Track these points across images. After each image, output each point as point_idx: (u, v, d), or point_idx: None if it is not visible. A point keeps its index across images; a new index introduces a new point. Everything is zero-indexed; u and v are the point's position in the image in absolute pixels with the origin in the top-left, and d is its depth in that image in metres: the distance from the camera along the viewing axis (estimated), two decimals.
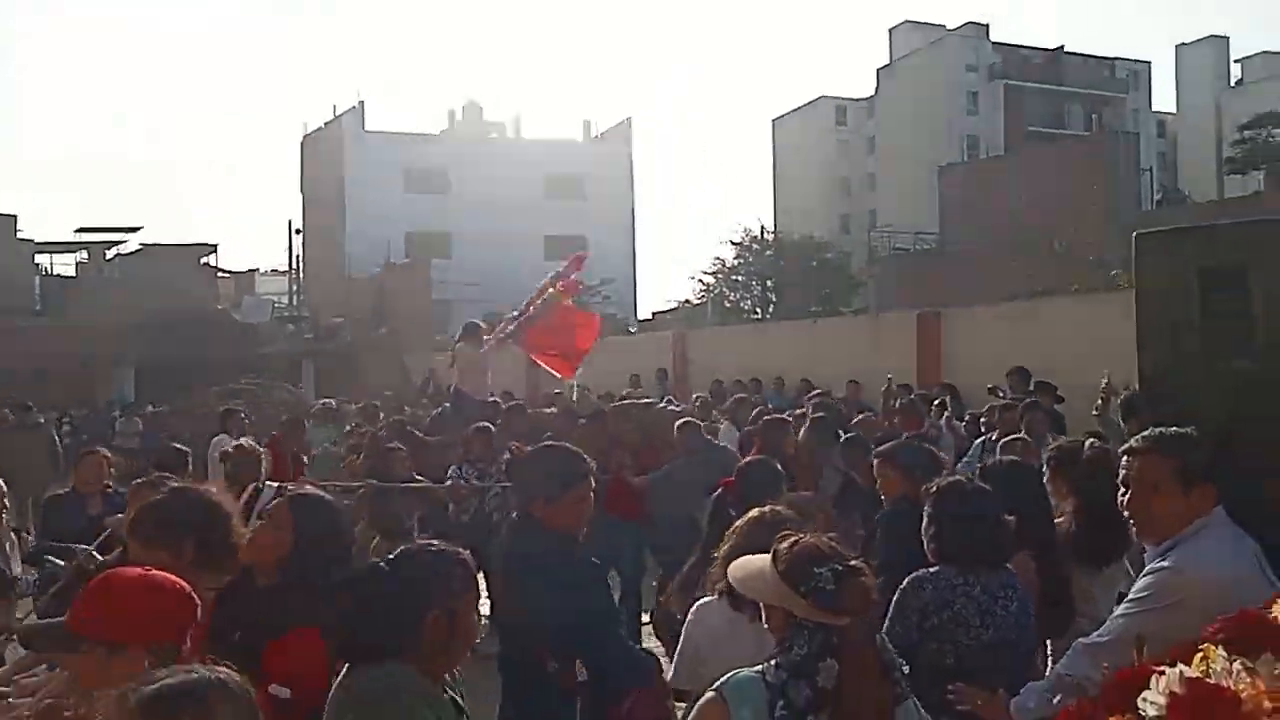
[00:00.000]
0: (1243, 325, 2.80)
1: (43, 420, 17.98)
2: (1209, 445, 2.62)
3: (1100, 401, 6.23)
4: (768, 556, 2.21)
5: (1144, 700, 1.24)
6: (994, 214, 26.22)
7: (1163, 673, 1.23)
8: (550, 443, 4.28)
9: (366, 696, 2.07)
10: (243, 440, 7.00)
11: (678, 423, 6.94)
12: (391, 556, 2.24)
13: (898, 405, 8.38)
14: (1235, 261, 2.84)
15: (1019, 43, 54.31)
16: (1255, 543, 2.54)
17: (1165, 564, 2.53)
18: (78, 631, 1.94)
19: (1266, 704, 1.15)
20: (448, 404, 9.98)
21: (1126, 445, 2.73)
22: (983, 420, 8.40)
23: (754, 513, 3.03)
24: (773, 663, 2.08)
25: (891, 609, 2.90)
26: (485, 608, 4.09)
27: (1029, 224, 23.23)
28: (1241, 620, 1.38)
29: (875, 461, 4.38)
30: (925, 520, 3.08)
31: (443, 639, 2.11)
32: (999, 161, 33.39)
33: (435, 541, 2.35)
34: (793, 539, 2.21)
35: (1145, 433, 2.71)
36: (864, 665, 2.04)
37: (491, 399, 9.70)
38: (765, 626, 2.22)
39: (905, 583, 2.94)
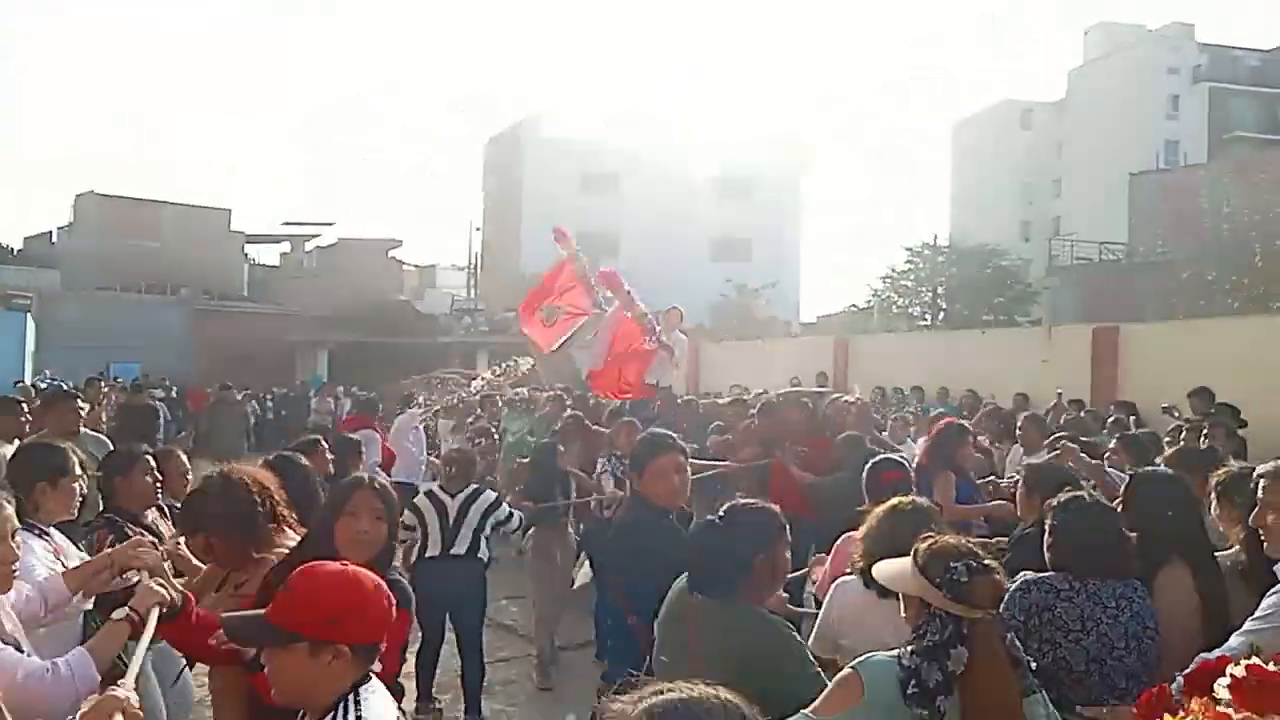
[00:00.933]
0: None
1: (240, 398, 20.09)
2: None
3: None
4: (909, 556, 2.40)
5: (1219, 684, 1.39)
6: (1190, 225, 24.58)
7: (1238, 663, 1.37)
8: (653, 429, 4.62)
9: (753, 618, 2.59)
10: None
11: (840, 437, 6.42)
12: (722, 513, 2.77)
13: (1063, 422, 8.14)
14: None
15: (1227, 44, 50.35)
16: None
17: None
18: (280, 625, 1.92)
19: None
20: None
21: (1266, 467, 2.75)
22: (1166, 440, 8.05)
23: (893, 501, 3.23)
24: (908, 648, 2.25)
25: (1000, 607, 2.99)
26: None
27: (1230, 236, 21.68)
28: None
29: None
30: (1046, 532, 3.18)
31: (767, 578, 2.67)
32: (1199, 169, 31.14)
33: (753, 500, 2.91)
34: (933, 538, 2.40)
35: None
36: (993, 655, 2.19)
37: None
38: (902, 615, 2.40)
39: (1015, 585, 3.03)
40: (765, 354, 17.87)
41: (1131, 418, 9.05)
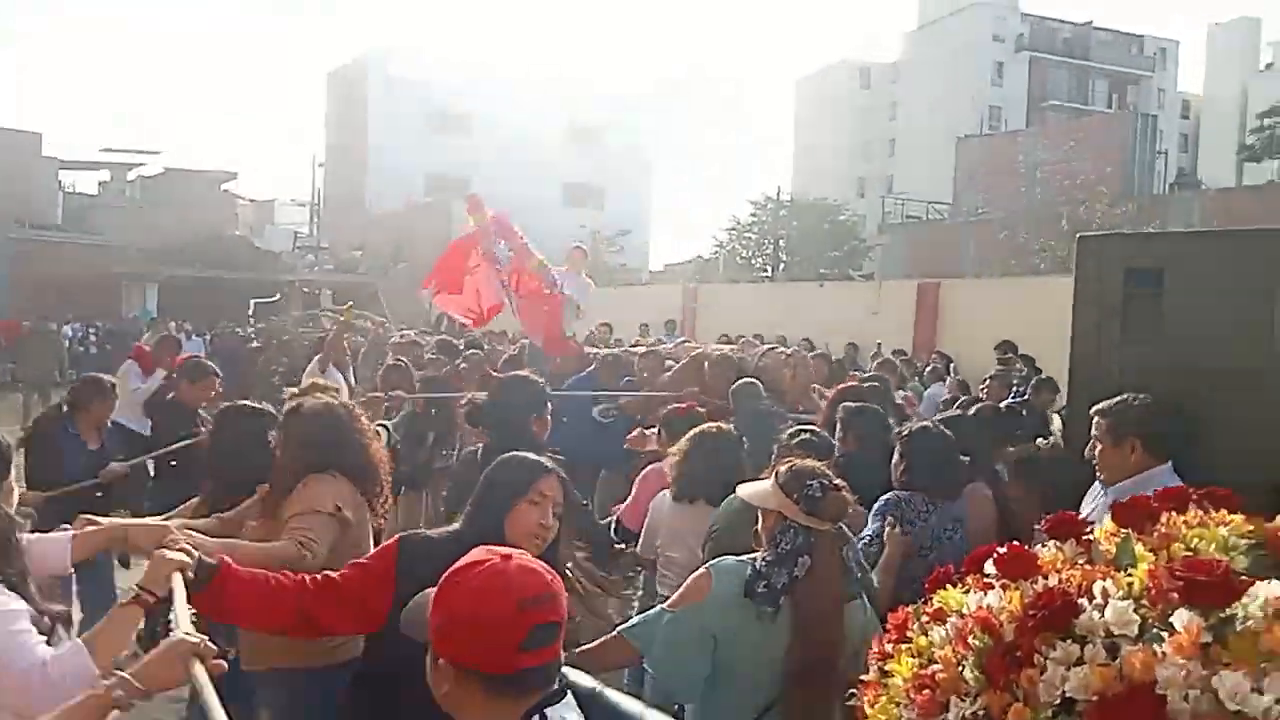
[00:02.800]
0: (1155, 317, 3.39)
1: (54, 328, 19.09)
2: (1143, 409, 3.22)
3: None
4: (770, 477, 2.73)
5: (987, 563, 1.84)
6: (1008, 187, 26.52)
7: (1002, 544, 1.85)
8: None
9: None
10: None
11: (734, 386, 5.52)
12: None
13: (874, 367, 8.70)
14: (1155, 264, 3.42)
15: (1048, 15, 53.78)
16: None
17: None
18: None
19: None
20: (526, 341, 9.37)
21: (1099, 406, 3.32)
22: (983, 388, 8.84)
23: (700, 428, 3.80)
24: (761, 555, 2.58)
25: (870, 517, 3.51)
26: None
27: (1042, 199, 23.56)
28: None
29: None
30: (896, 456, 3.66)
31: None
32: (1017, 135, 33.45)
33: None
34: (791, 461, 2.75)
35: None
36: (829, 564, 2.56)
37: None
38: (759, 528, 2.72)
39: (886, 497, 3.52)
40: (617, 301, 18.27)
41: (951, 365, 9.97)
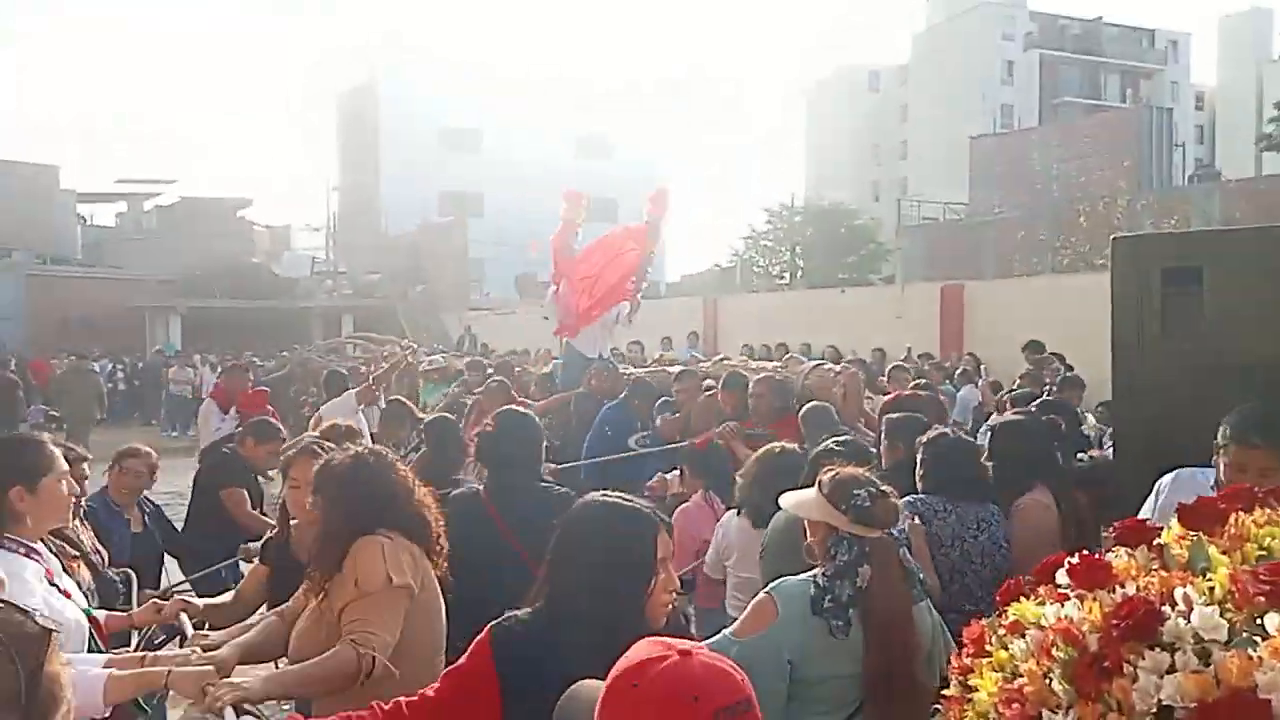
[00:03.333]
0: (1196, 315, 3.39)
1: (94, 367, 19.11)
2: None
3: None
4: (814, 488, 2.73)
5: (1059, 573, 1.83)
6: (1024, 186, 26.41)
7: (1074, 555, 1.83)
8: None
9: None
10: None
11: (805, 409, 5.24)
12: None
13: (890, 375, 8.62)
14: (1192, 263, 3.44)
15: (1056, 12, 53.67)
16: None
17: None
18: None
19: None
20: (557, 361, 9.19)
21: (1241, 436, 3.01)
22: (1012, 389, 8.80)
23: (763, 449, 3.84)
24: (820, 570, 2.56)
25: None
26: None
27: (1059, 197, 23.46)
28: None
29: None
30: (918, 463, 3.71)
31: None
32: (1031, 133, 33.35)
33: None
34: (834, 470, 2.73)
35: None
36: (890, 570, 2.55)
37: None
38: (809, 542, 2.71)
39: (908, 498, 3.49)
40: (638, 315, 18.29)
41: (981, 366, 9.94)
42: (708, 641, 2.68)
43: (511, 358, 13.56)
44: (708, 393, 6.36)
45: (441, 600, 2.69)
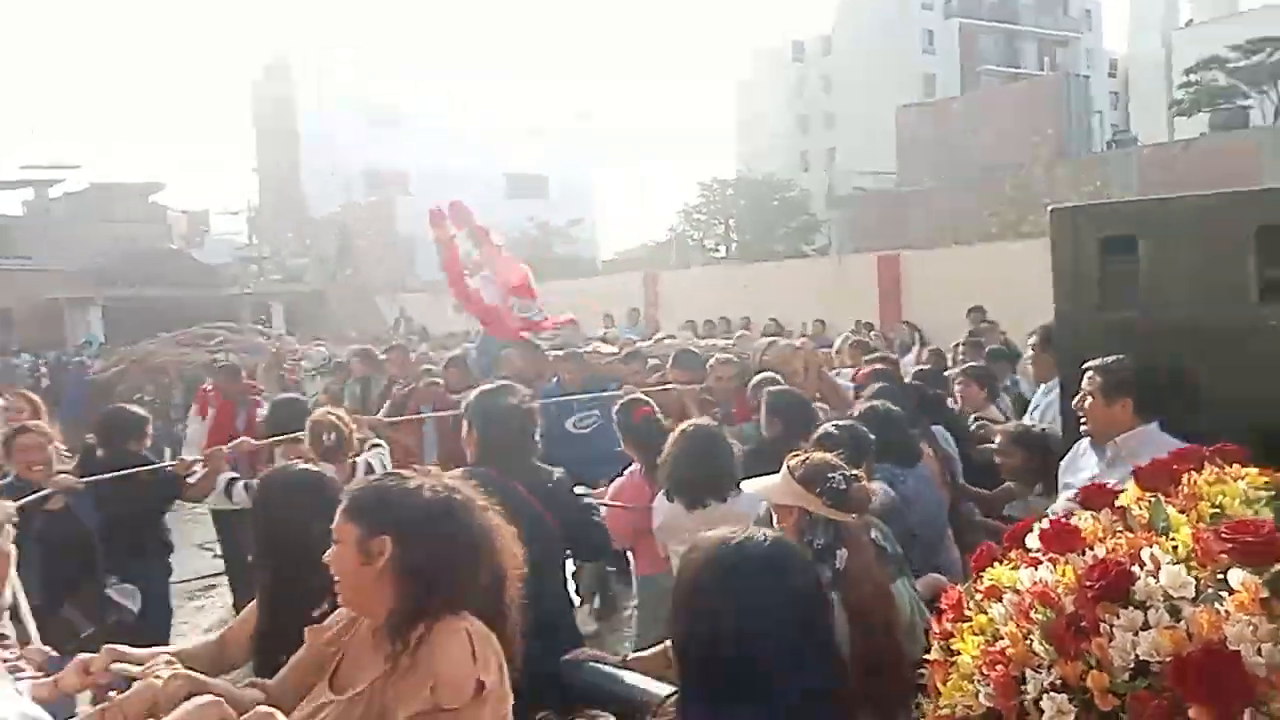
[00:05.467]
0: (1131, 283, 3.53)
1: (23, 364, 18.40)
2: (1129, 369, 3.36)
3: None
4: (780, 472, 2.73)
5: (1029, 538, 1.91)
6: (951, 154, 26.92)
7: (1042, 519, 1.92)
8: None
9: None
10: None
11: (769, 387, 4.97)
12: None
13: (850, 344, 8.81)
14: (1127, 232, 3.57)
15: None
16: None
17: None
18: None
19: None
20: (469, 345, 9.23)
21: (1094, 363, 3.45)
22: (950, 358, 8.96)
23: (681, 425, 3.80)
24: None
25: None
26: None
27: (985, 165, 23.97)
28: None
29: None
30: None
31: None
32: (954, 102, 33.94)
33: None
34: (804, 455, 2.73)
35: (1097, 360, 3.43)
36: (865, 551, 2.59)
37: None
38: (777, 526, 2.69)
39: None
40: (576, 293, 18.26)
41: (919, 334, 10.17)
42: None
43: (449, 339, 13.42)
44: (656, 373, 6.32)
45: (508, 704, 1.96)
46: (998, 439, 4.57)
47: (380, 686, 1.88)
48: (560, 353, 7.18)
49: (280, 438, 4.90)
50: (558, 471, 3.44)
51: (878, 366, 5.49)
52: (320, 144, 39.46)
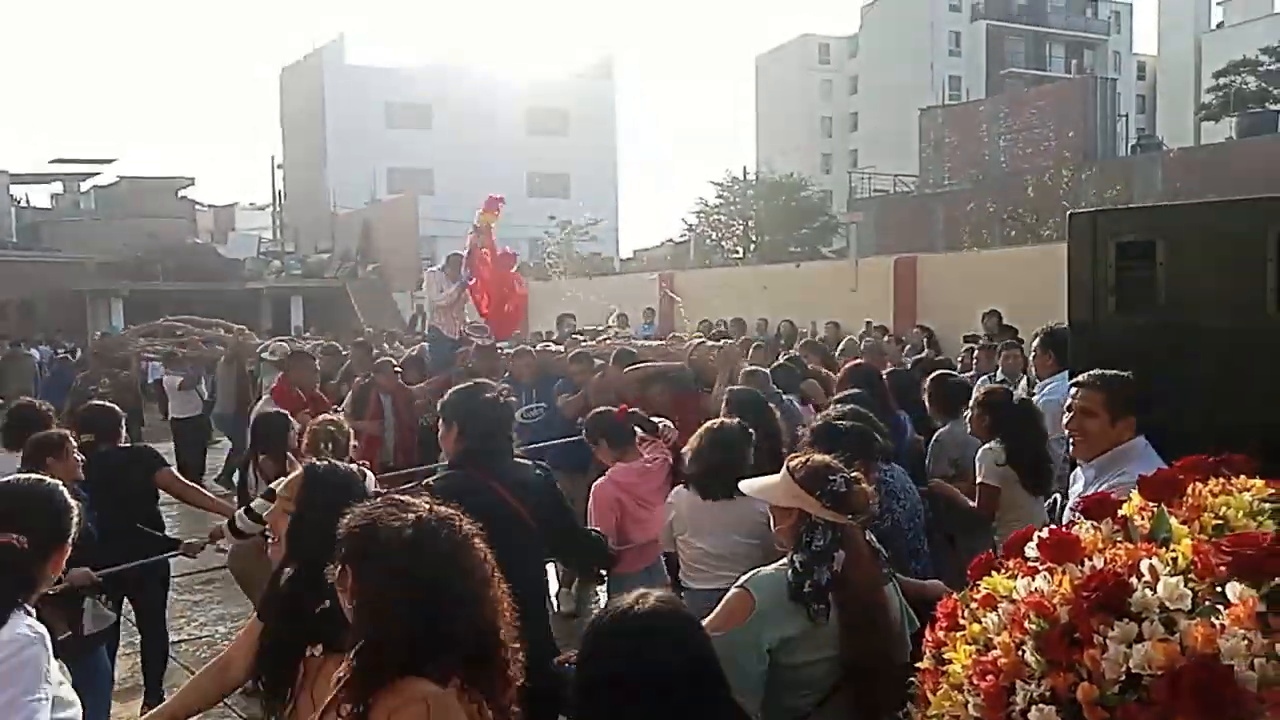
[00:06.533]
0: (1149, 288, 3.47)
1: (34, 353, 18.67)
2: (1134, 385, 3.27)
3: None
4: (778, 474, 2.72)
5: (1029, 547, 1.88)
6: (972, 157, 26.75)
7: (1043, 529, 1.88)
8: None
9: None
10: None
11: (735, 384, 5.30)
12: None
13: (862, 347, 8.80)
14: (1146, 237, 3.51)
15: None
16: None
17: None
18: None
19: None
20: (424, 344, 9.43)
21: (1075, 380, 3.34)
22: (960, 361, 8.95)
23: (708, 423, 3.81)
24: (797, 556, 2.55)
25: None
26: None
27: (1007, 168, 23.80)
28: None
29: None
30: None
31: None
32: (979, 104, 33.70)
33: None
34: (804, 457, 2.72)
35: (1090, 372, 3.32)
36: (861, 554, 2.58)
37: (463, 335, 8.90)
38: (773, 529, 2.72)
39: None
40: (590, 290, 18.26)
41: (934, 338, 10.09)
42: None
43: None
44: (598, 372, 6.67)
45: None
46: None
47: None
48: (511, 350, 7.70)
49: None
50: (539, 468, 3.42)
51: (859, 363, 5.63)
52: (346, 139, 39.69)
